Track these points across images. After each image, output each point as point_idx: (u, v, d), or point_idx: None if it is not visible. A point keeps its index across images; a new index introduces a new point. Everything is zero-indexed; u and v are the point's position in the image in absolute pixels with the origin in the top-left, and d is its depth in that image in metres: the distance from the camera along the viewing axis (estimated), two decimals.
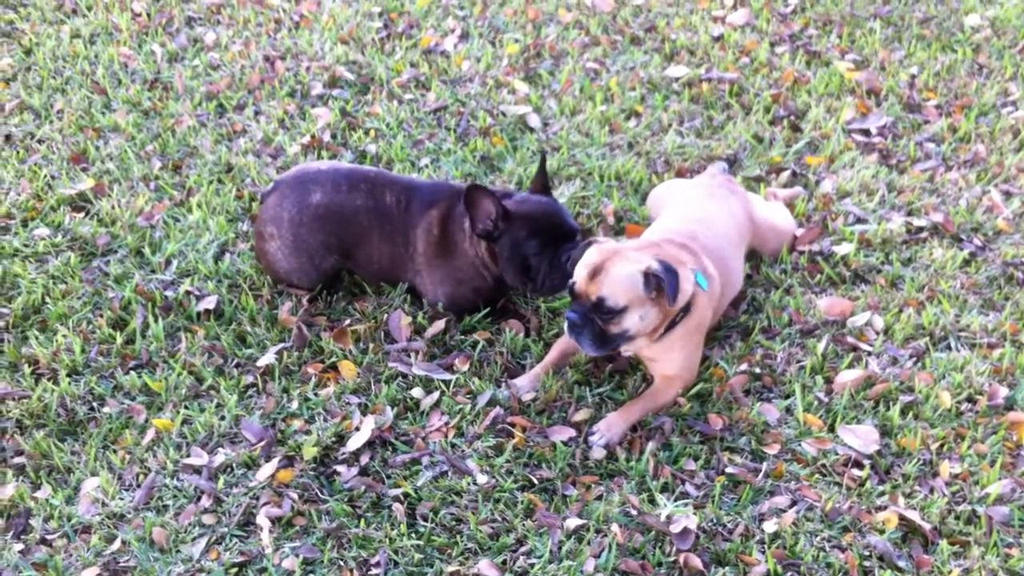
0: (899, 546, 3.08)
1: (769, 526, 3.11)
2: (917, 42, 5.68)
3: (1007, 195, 4.55)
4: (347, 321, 3.86)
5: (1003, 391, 3.57)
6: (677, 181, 4.38)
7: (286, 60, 5.46)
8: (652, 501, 3.21)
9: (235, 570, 3.04)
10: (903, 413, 3.49)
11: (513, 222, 3.63)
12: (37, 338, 3.78)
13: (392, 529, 3.13)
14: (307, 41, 5.60)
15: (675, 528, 3.07)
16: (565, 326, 3.40)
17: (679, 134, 4.94)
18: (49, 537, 3.15)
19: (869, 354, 3.73)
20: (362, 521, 3.15)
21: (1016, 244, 4.26)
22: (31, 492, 3.27)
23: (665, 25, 5.82)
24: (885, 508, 3.18)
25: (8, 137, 4.89)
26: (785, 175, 4.60)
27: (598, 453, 3.35)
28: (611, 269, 3.30)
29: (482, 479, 3.27)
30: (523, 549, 3.08)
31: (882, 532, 3.11)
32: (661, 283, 3.27)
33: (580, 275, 3.35)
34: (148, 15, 5.84)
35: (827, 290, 4.04)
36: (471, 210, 3.62)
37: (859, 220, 4.39)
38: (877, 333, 3.82)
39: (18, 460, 3.38)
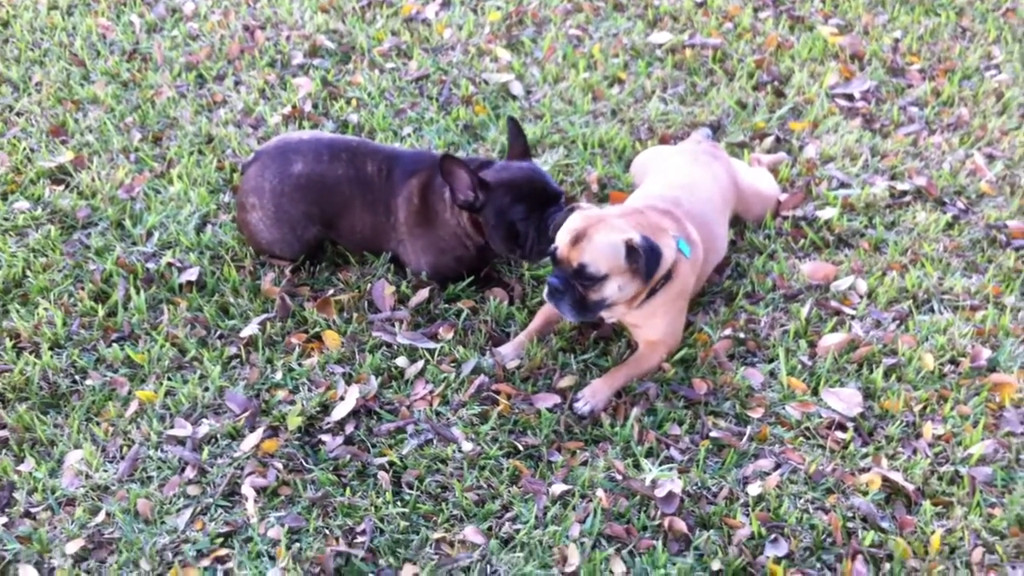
0: (882, 507, 3.10)
1: (753, 489, 3.12)
2: (900, 6, 5.66)
3: (990, 158, 4.55)
4: (330, 291, 3.85)
5: (986, 353, 3.58)
6: (661, 148, 4.36)
7: (266, 29, 5.41)
8: (637, 466, 3.22)
9: (220, 540, 3.04)
10: (886, 376, 3.50)
11: (495, 190, 3.61)
12: (18, 311, 3.76)
13: (377, 497, 3.13)
14: (287, 10, 5.55)
15: (660, 492, 3.08)
16: (545, 291, 3.40)
17: (662, 101, 4.92)
18: (33, 510, 3.14)
19: (852, 318, 3.73)
20: (347, 490, 3.15)
21: (999, 207, 4.27)
22: (14, 465, 3.26)
23: None
24: (868, 470, 3.19)
25: None
26: (769, 140, 4.59)
27: (584, 411, 3.37)
28: (594, 236, 3.29)
29: (467, 446, 3.27)
30: (508, 515, 3.08)
31: (865, 494, 3.12)
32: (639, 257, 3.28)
33: (563, 240, 3.34)
34: None
35: (811, 255, 4.04)
36: (449, 181, 3.61)
37: (843, 184, 4.38)
38: (860, 297, 3.82)
39: (1, 433, 3.36)
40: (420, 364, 3.54)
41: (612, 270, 3.29)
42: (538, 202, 3.62)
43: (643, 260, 3.27)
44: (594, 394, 3.40)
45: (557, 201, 3.63)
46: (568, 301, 3.35)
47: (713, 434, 3.30)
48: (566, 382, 3.48)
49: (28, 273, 3.92)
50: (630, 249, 3.28)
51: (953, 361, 3.57)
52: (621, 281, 3.33)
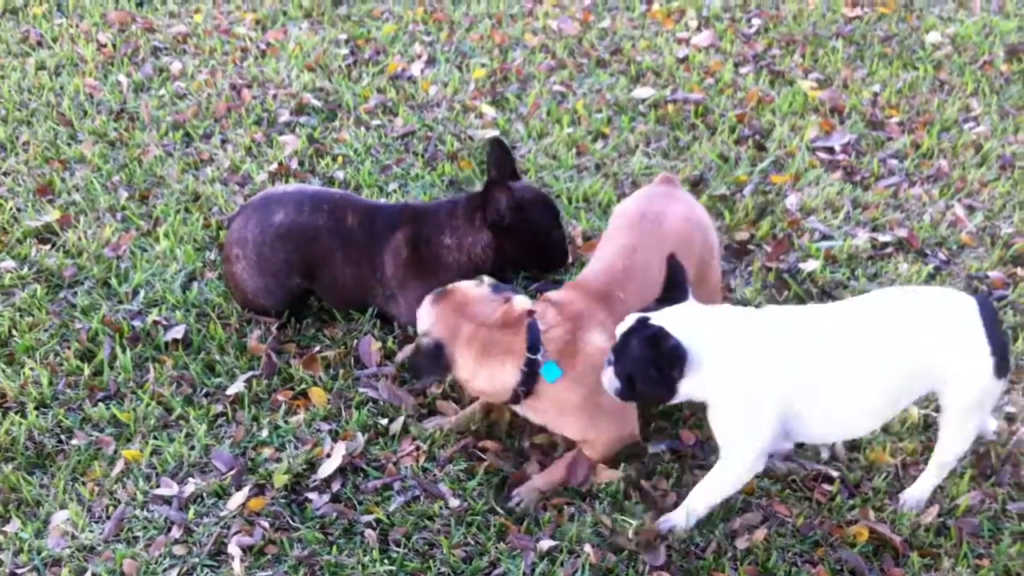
0: (870, 559, 3.10)
1: (741, 542, 3.12)
2: (879, 60, 5.75)
3: (970, 209, 4.60)
4: (316, 348, 3.85)
5: None
6: (621, 205, 3.77)
7: (253, 88, 5.46)
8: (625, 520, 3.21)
9: None
10: None
11: (528, 208, 3.75)
12: (4, 371, 3.75)
13: (364, 555, 3.11)
14: (273, 69, 5.61)
15: (646, 548, 3.08)
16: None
17: (646, 155, 4.97)
18: (19, 571, 3.11)
19: None
20: (334, 548, 3.14)
21: (980, 257, 4.31)
22: (0, 526, 3.24)
23: (631, 47, 5.87)
24: (856, 522, 3.19)
25: None
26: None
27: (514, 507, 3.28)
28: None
29: (454, 503, 3.26)
30: (496, 572, 3.07)
31: (853, 546, 3.12)
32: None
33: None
34: (113, 46, 5.84)
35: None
36: (491, 203, 3.70)
37: (825, 236, 4.42)
38: None
39: None
40: (401, 420, 3.54)
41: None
42: (555, 211, 3.85)
43: (424, 372, 3.27)
44: (528, 492, 3.31)
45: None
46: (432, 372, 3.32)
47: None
48: (541, 439, 3.48)
49: (14, 332, 3.91)
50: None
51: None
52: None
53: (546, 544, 3.11)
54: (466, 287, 3.31)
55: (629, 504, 3.24)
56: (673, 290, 2.96)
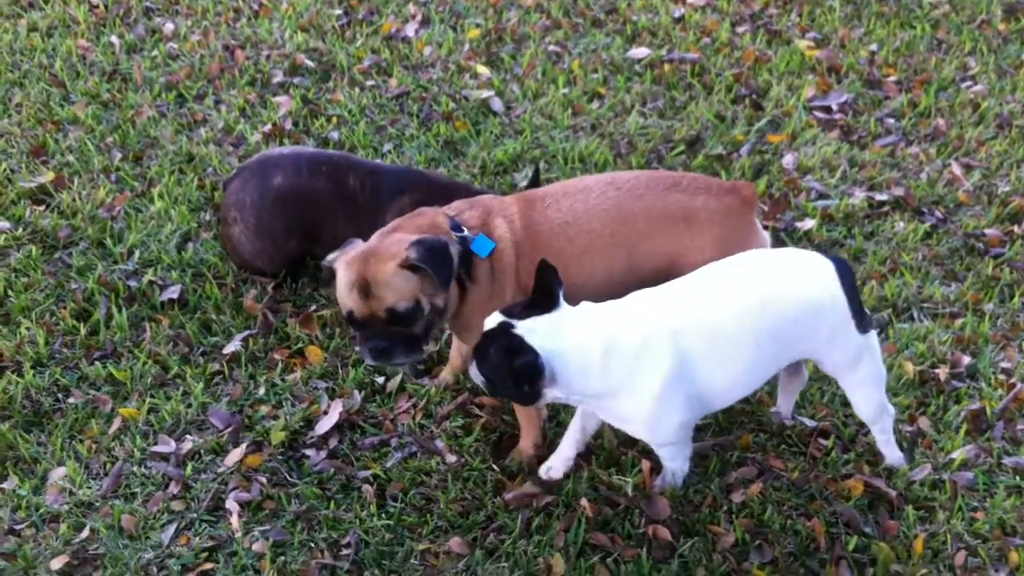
0: (865, 513, 3.11)
1: (737, 496, 3.14)
2: (876, 19, 5.72)
3: (967, 168, 4.59)
4: (313, 307, 3.85)
5: (966, 359, 3.61)
6: None
7: (246, 49, 5.43)
8: (621, 474, 3.22)
9: (205, 554, 3.03)
10: None
11: None
12: (0, 331, 3.75)
13: (362, 510, 3.13)
14: (267, 29, 5.57)
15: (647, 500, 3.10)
16: (369, 359, 3.08)
17: (642, 115, 4.95)
18: (17, 527, 3.12)
19: None
20: (332, 503, 3.15)
21: (976, 216, 4.31)
22: None
23: (626, 7, 5.83)
24: (851, 476, 3.20)
25: None
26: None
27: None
28: (378, 276, 2.96)
29: (451, 459, 3.28)
30: (493, 526, 3.09)
31: (848, 499, 3.14)
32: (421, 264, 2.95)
33: (353, 300, 3.01)
34: (105, 6, 5.79)
35: None
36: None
37: (821, 196, 4.42)
38: None
39: None
40: (398, 378, 3.55)
41: (418, 294, 2.99)
42: None
43: (432, 268, 2.94)
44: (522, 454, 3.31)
45: None
46: (401, 348, 3.05)
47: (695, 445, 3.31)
48: None
49: (10, 293, 3.91)
50: (413, 266, 2.96)
51: (933, 367, 3.60)
52: (432, 299, 3.04)
53: (543, 499, 3.13)
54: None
55: (626, 460, 3.25)
56: (542, 297, 2.80)
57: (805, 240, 4.15)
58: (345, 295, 3.02)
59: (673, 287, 2.94)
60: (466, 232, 3.13)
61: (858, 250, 4.11)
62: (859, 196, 4.39)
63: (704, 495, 3.15)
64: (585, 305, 2.88)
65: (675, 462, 3.11)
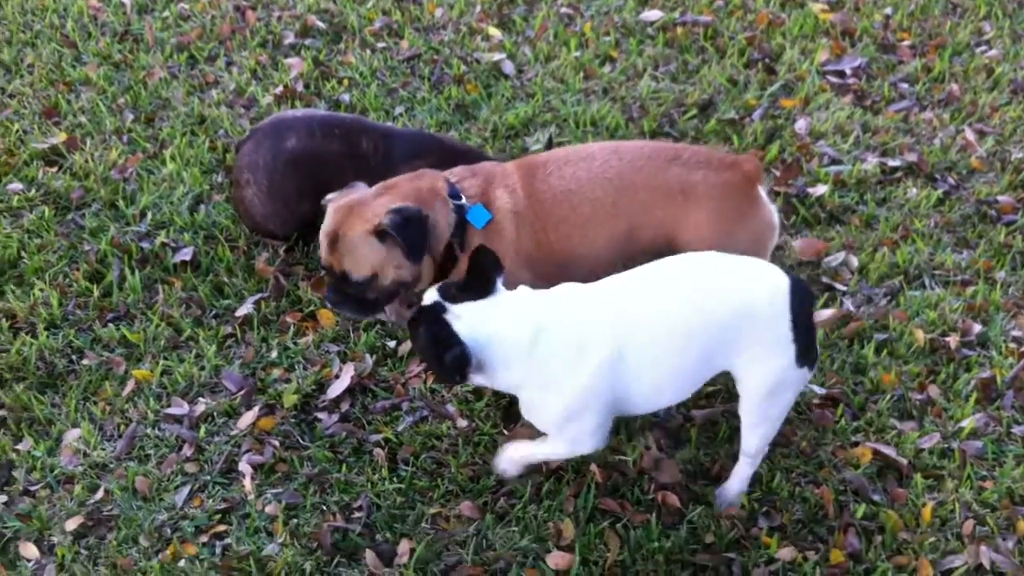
0: (874, 480, 3.13)
1: None
2: None
3: (981, 134, 4.57)
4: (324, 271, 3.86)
5: (977, 327, 3.61)
6: None
7: (257, 10, 5.40)
8: (630, 440, 3.24)
9: (218, 516, 3.07)
10: (877, 351, 3.53)
11: None
12: (14, 292, 3.77)
13: (374, 473, 3.16)
14: None
15: (649, 465, 3.12)
16: (327, 301, 3.20)
17: (654, 79, 4.93)
18: (32, 488, 3.16)
19: (844, 293, 3.76)
20: (344, 466, 3.18)
21: (989, 182, 4.29)
22: (13, 444, 3.28)
23: None
24: (859, 444, 3.22)
25: None
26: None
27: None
28: (346, 235, 2.99)
29: (462, 423, 3.30)
30: (503, 490, 3.11)
31: (857, 467, 3.16)
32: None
33: (323, 246, 3.07)
34: None
35: (802, 231, 4.06)
36: None
37: (834, 161, 4.40)
38: (852, 272, 3.85)
39: None
40: (409, 342, 3.56)
41: (376, 266, 3.02)
42: None
43: (402, 238, 2.94)
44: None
45: None
46: (352, 306, 3.14)
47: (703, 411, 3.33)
48: None
49: (23, 254, 3.92)
50: (382, 235, 2.98)
51: (944, 335, 3.60)
52: (396, 272, 3.05)
53: (553, 464, 3.15)
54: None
55: (634, 425, 3.27)
56: (477, 281, 2.74)
57: (817, 206, 4.14)
58: (321, 237, 3.10)
59: (612, 281, 2.84)
60: (464, 200, 3.12)
61: (870, 216, 4.10)
62: (872, 162, 4.37)
63: (713, 461, 3.17)
64: (522, 292, 2.80)
65: (573, 446, 2.92)
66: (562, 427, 2.83)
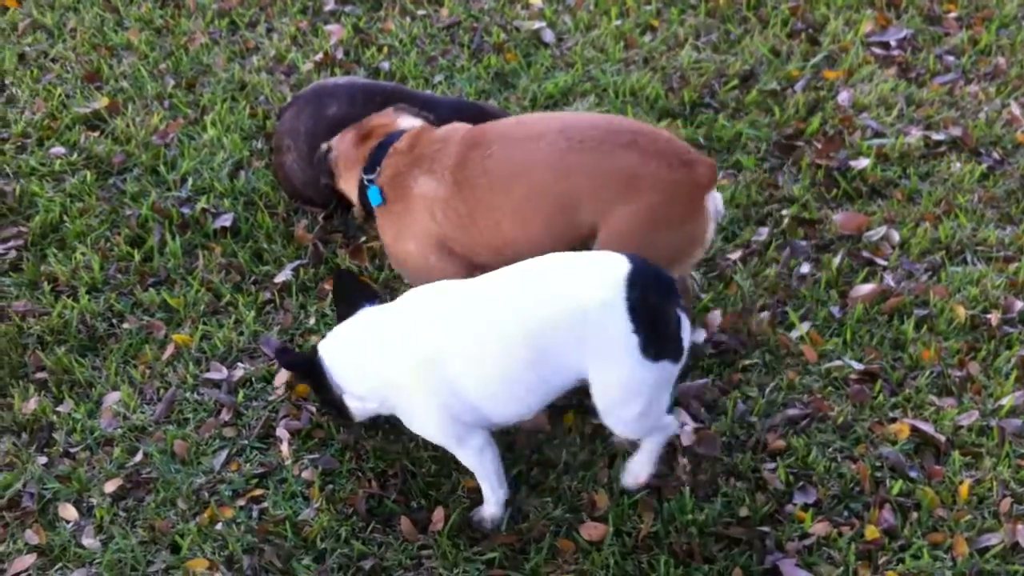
0: (911, 457, 3.11)
1: (782, 438, 3.14)
2: None
3: None
4: (363, 238, 3.87)
5: (1018, 304, 3.56)
6: None
7: None
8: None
9: (255, 480, 3.10)
10: (917, 327, 3.50)
11: None
12: (56, 256, 3.81)
13: (409, 441, 3.17)
14: None
15: (687, 440, 3.12)
16: None
17: (695, 49, 4.88)
18: (72, 450, 3.21)
19: (884, 268, 3.73)
20: (379, 433, 3.20)
21: None
22: (53, 406, 3.33)
23: None
24: (897, 420, 3.20)
25: (22, 56, 4.87)
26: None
27: None
28: None
29: None
30: (537, 459, 3.12)
31: (894, 443, 3.14)
32: None
33: None
34: None
35: (843, 205, 4.02)
36: None
37: (877, 134, 4.35)
38: (893, 247, 3.81)
39: (40, 375, 3.43)
40: None
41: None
42: None
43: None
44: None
45: None
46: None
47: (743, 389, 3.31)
48: None
49: (65, 218, 3.96)
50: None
51: (985, 312, 3.56)
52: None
53: (587, 431, 3.16)
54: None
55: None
56: (342, 306, 2.95)
57: (859, 180, 4.09)
58: None
59: (453, 286, 2.81)
60: (371, 176, 3.22)
61: (913, 190, 4.06)
62: (915, 135, 4.31)
63: (749, 435, 3.17)
64: (367, 311, 2.89)
65: (469, 461, 2.91)
66: (440, 437, 2.85)
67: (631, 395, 2.68)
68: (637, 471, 2.98)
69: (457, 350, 2.68)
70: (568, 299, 2.60)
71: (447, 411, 2.75)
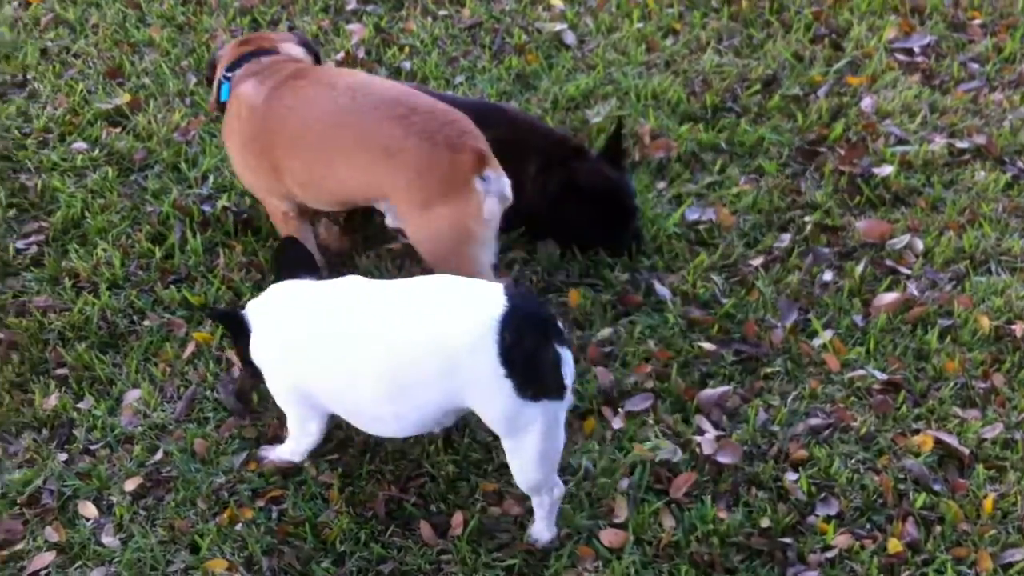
0: (935, 469, 3.09)
1: (804, 448, 3.12)
2: None
3: None
4: (385, 243, 3.86)
5: None
6: None
7: None
8: (686, 421, 3.23)
9: (275, 481, 3.09)
10: (941, 337, 3.47)
11: (581, 193, 3.70)
12: (77, 251, 3.81)
13: (429, 445, 3.16)
14: None
15: (708, 448, 3.10)
16: None
17: (717, 52, 4.86)
18: (92, 447, 3.21)
19: (908, 277, 3.70)
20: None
21: None
22: (74, 403, 3.33)
23: None
24: (920, 432, 3.18)
25: (44, 51, 4.88)
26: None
27: None
28: None
29: None
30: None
31: (918, 455, 3.12)
32: None
33: None
34: None
35: (866, 212, 4.00)
36: (561, 170, 3.71)
37: (900, 141, 4.32)
38: (916, 256, 3.79)
39: (61, 372, 3.43)
40: None
41: None
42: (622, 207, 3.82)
43: None
44: None
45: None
46: None
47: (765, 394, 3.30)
48: (605, 333, 3.49)
49: (86, 214, 3.96)
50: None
51: (1010, 323, 3.53)
52: None
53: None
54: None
55: (691, 405, 3.25)
56: (282, 271, 3.09)
57: (882, 187, 4.07)
58: None
59: (357, 290, 2.87)
60: (230, 74, 3.54)
61: (936, 199, 4.03)
62: (939, 143, 4.29)
63: (771, 444, 3.15)
64: (294, 283, 3.00)
65: (292, 427, 3.08)
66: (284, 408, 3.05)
67: (519, 435, 2.64)
68: (537, 535, 2.91)
69: (316, 360, 2.81)
70: (437, 339, 2.59)
71: (298, 399, 2.96)
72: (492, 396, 2.57)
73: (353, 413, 2.87)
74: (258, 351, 2.95)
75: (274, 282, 3.06)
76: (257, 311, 2.98)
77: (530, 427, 2.60)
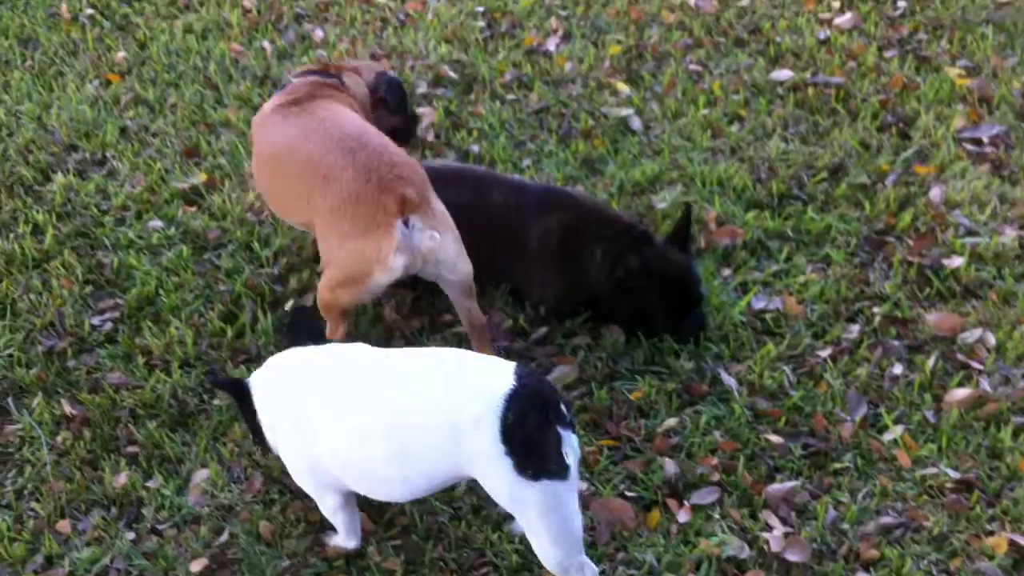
0: (1009, 573, 3.02)
1: (875, 548, 3.07)
2: None
3: None
4: (447, 318, 3.89)
5: None
6: None
7: (391, 58, 5.51)
8: (753, 516, 3.19)
9: (340, 564, 3.09)
10: (1015, 435, 3.41)
11: (650, 277, 3.71)
12: (151, 329, 3.88)
13: (492, 533, 3.15)
14: (412, 40, 5.65)
15: (776, 546, 3.06)
16: None
17: (783, 139, 4.88)
18: (160, 527, 3.24)
19: (980, 372, 3.65)
20: (462, 523, 3.18)
21: None
22: (143, 481, 3.37)
23: (770, 27, 5.74)
24: (995, 533, 3.11)
25: (124, 130, 5.03)
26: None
27: None
28: None
29: (581, 485, 3.28)
30: (621, 557, 3.08)
31: (992, 557, 3.05)
32: None
33: None
34: (258, 11, 5.95)
35: (936, 304, 3.96)
36: (624, 255, 3.72)
37: (970, 232, 4.29)
38: (989, 351, 3.73)
39: (131, 449, 3.48)
40: None
41: None
42: (684, 289, 3.82)
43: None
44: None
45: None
46: None
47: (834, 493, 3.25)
48: (671, 423, 3.47)
49: (160, 291, 4.05)
50: None
51: None
52: None
53: (676, 528, 3.11)
54: None
55: (758, 500, 3.21)
56: (287, 337, 3.15)
57: (952, 279, 4.03)
58: None
59: (359, 356, 2.91)
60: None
61: (1008, 292, 3.98)
62: (1010, 235, 4.25)
63: (840, 543, 3.10)
64: (299, 350, 3.03)
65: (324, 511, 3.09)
66: (303, 486, 3.06)
67: (525, 512, 2.67)
68: None
69: (323, 426, 2.82)
70: (441, 410, 2.63)
71: (309, 469, 2.94)
72: (493, 472, 2.60)
73: (362, 479, 2.85)
74: (264, 417, 3.01)
75: (281, 350, 3.12)
76: (261, 380, 3.03)
77: (533, 506, 2.62)
